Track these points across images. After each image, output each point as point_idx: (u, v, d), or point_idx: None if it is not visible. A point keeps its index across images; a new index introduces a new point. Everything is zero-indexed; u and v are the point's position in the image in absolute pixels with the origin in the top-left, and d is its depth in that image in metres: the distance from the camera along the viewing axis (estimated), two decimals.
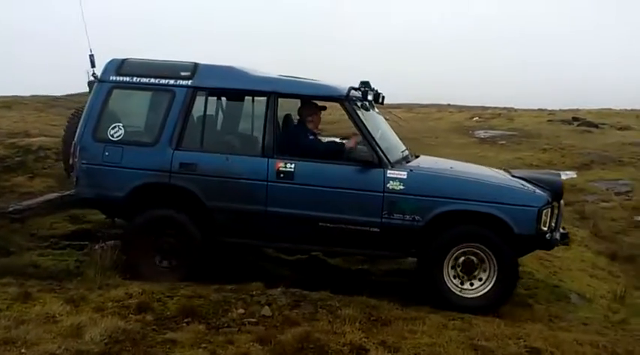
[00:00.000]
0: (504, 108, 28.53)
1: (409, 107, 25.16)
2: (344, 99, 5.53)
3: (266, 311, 4.47)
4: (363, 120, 5.52)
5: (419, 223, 5.27)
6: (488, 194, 5.34)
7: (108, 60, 5.75)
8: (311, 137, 5.77)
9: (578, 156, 14.62)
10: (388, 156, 5.41)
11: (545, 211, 5.31)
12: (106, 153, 5.54)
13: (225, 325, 4.23)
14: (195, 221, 5.49)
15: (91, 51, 5.81)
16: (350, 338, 4.05)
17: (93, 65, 5.83)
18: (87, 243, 6.44)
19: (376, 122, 5.89)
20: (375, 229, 5.33)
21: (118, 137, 5.57)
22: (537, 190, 5.42)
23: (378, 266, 6.62)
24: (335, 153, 5.62)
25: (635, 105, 32.75)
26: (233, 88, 5.75)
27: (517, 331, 4.56)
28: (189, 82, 5.59)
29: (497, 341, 4.29)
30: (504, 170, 6.48)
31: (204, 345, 3.89)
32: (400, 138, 6.28)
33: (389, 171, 5.34)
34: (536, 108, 30.37)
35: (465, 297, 5.31)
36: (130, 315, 4.33)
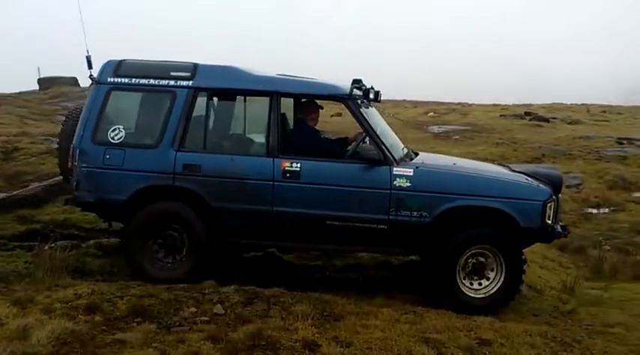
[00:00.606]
0: (459, 104, 29.01)
1: None
2: (347, 98, 5.51)
3: (218, 309, 4.43)
4: (367, 118, 5.54)
5: (426, 219, 5.29)
6: (495, 189, 5.39)
7: (111, 62, 5.62)
8: (317, 136, 5.81)
9: (530, 150, 14.98)
10: (393, 154, 5.43)
11: (549, 204, 5.37)
12: (107, 156, 5.42)
13: (177, 324, 4.18)
14: (201, 216, 5.43)
15: (88, 52, 5.63)
16: (302, 335, 4.05)
17: (90, 66, 5.65)
18: (36, 243, 6.27)
19: (376, 120, 5.86)
20: (383, 226, 5.34)
21: (118, 139, 5.45)
22: (541, 184, 5.51)
23: (333, 261, 6.63)
24: (341, 151, 5.67)
25: (586, 100, 33.73)
26: (235, 88, 5.71)
27: (468, 323, 4.64)
28: (190, 83, 5.51)
29: (448, 333, 4.35)
30: (502, 165, 6.54)
31: (154, 345, 3.84)
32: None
33: (395, 169, 5.34)
34: (490, 103, 31.00)
35: (474, 297, 5.36)
36: (79, 316, 4.24)
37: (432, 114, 22.98)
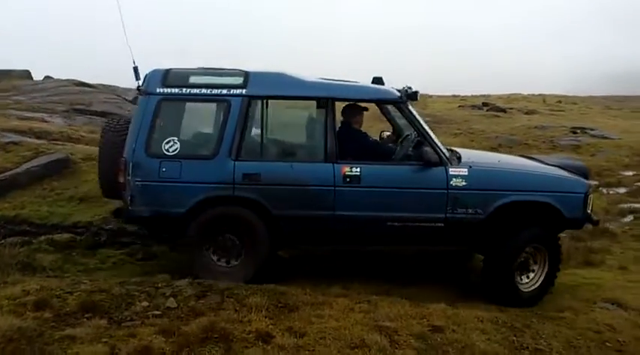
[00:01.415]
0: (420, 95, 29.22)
1: None
2: (400, 101, 5.65)
3: (171, 303, 4.39)
4: (420, 121, 5.69)
5: (480, 216, 5.52)
6: (543, 184, 5.71)
7: (156, 71, 5.47)
8: (367, 139, 5.99)
9: (487, 140, 15.21)
10: (446, 155, 5.64)
11: (589, 196, 5.80)
12: (163, 169, 5.29)
13: (128, 319, 4.14)
14: (263, 220, 5.41)
15: (134, 62, 5.55)
16: (256, 326, 4.06)
17: (137, 78, 5.57)
18: None
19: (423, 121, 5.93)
20: (440, 224, 5.53)
21: (173, 151, 5.33)
22: (580, 177, 5.94)
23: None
24: (392, 153, 5.83)
25: (544, 90, 34.39)
26: (290, 94, 5.68)
27: (421, 311, 4.70)
28: (244, 91, 5.47)
29: (401, 321, 4.41)
30: (533, 158, 6.74)
31: (104, 340, 3.79)
32: None
33: (451, 169, 5.55)
34: (449, 94, 31.36)
35: (524, 291, 5.66)
36: (27, 313, 4.16)
37: None
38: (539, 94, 32.97)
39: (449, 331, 4.38)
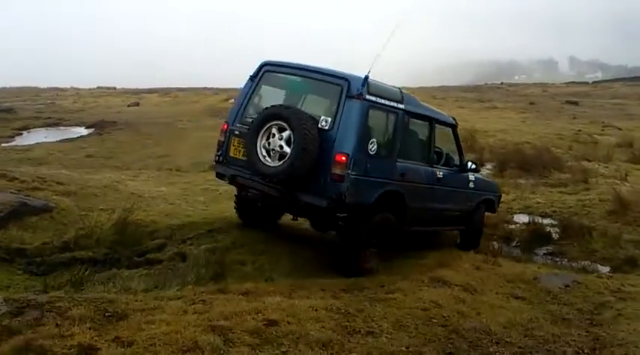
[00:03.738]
0: None
1: (165, 91, 24.59)
2: (455, 126, 8.15)
3: None
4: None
5: (472, 207, 8.38)
6: (494, 188, 9.29)
7: (359, 78, 6.23)
8: (442, 151, 7.92)
9: None
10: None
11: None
12: (368, 166, 6.23)
13: None
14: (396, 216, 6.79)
15: (369, 72, 6.29)
16: (78, 340, 3.75)
17: (364, 85, 6.21)
18: None
19: None
20: (460, 213, 8.20)
21: (373, 151, 6.31)
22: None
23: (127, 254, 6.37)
24: (453, 162, 8.06)
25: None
26: (422, 113, 7.28)
27: (257, 305, 4.67)
28: (403, 106, 6.76)
29: (235, 318, 4.34)
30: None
31: None
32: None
33: (470, 175, 8.23)
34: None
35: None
36: None
37: (232, 100, 22.90)
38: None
39: (284, 323, 4.39)
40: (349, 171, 6.00)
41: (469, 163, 8.09)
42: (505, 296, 5.91)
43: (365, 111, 6.18)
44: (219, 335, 4.02)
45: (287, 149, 6.07)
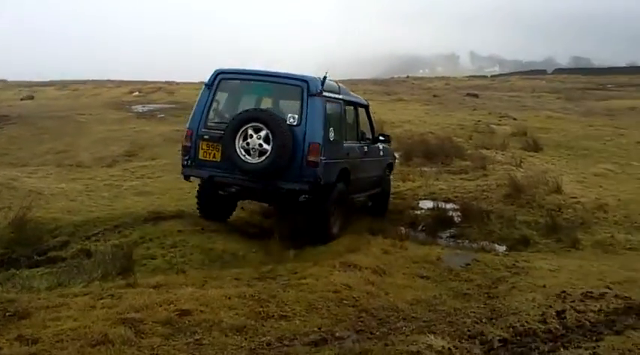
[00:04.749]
0: (166, 82, 28.70)
1: (63, 84, 23.50)
2: (368, 106, 9.55)
3: None
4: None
5: (380, 173, 9.80)
6: (392, 153, 10.88)
7: (316, 79, 7.42)
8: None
9: None
10: None
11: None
12: (330, 150, 7.38)
13: None
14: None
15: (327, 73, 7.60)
16: None
17: (323, 84, 7.40)
18: None
19: None
20: (377, 178, 9.72)
21: (332, 138, 7.53)
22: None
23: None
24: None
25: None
26: (351, 100, 8.59)
27: (168, 297, 4.63)
28: (341, 96, 8.09)
29: (147, 310, 4.29)
30: None
31: None
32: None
33: (379, 145, 9.57)
34: (197, 81, 31.23)
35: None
36: None
37: (136, 93, 22.31)
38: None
39: (197, 312, 4.38)
40: (321, 157, 7.15)
41: (380, 136, 9.45)
42: (411, 276, 6.14)
43: (324, 106, 7.37)
44: (130, 328, 3.97)
45: (266, 146, 7.00)
